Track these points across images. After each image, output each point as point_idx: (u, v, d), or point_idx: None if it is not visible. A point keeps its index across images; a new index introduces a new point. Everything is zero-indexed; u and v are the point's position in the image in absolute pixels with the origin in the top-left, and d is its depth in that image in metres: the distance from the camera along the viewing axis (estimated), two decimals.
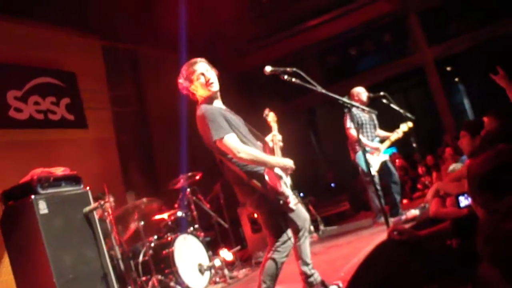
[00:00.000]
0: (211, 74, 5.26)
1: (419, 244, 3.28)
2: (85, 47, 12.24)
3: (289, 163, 5.18)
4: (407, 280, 3.10)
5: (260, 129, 5.56)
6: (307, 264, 5.48)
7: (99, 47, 12.72)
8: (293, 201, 5.17)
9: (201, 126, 5.12)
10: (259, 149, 5.23)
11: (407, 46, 16.87)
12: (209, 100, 5.25)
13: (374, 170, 9.12)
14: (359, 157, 9.03)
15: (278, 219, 5.16)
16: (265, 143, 5.51)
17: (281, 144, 5.61)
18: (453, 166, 7.80)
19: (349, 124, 9.09)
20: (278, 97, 15.66)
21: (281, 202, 5.03)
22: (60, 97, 11.16)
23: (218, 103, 5.33)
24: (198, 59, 5.33)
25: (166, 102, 13.11)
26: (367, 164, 8.81)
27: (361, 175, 9.54)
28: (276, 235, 5.16)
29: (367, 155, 8.93)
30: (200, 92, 5.24)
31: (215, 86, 5.25)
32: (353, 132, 9.07)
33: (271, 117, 5.79)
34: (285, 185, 5.17)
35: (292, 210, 5.16)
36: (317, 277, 5.49)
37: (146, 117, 13.94)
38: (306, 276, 5.49)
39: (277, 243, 5.15)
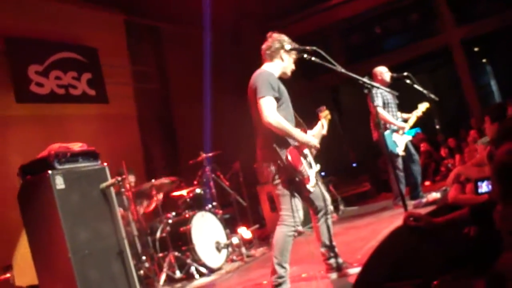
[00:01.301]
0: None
1: (435, 231, 3.21)
2: (107, 23, 12.21)
3: (314, 141, 5.19)
4: (421, 268, 3.04)
5: None
6: (326, 246, 5.46)
7: (121, 23, 12.69)
8: (312, 182, 5.14)
9: (254, 82, 5.26)
10: (294, 126, 5.34)
11: (433, 26, 16.58)
12: (276, 70, 5.46)
13: (400, 150, 9.01)
14: (386, 137, 8.91)
15: (290, 193, 5.19)
16: (303, 128, 5.49)
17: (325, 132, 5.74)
18: (483, 139, 7.63)
19: (377, 101, 8.95)
20: (301, 75, 15.56)
21: (297, 179, 5.04)
22: (81, 72, 11.18)
23: (277, 74, 5.48)
24: None
25: (188, 79, 13.10)
26: (393, 144, 8.77)
27: (385, 155, 9.43)
28: (285, 207, 5.20)
29: (393, 135, 8.87)
30: (284, 65, 5.49)
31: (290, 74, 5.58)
32: (380, 110, 8.94)
33: (324, 114, 5.80)
34: (308, 166, 5.16)
35: (308, 192, 5.14)
36: (337, 259, 5.45)
37: (168, 94, 13.91)
38: (326, 258, 5.47)
39: (285, 216, 5.22)
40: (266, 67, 5.44)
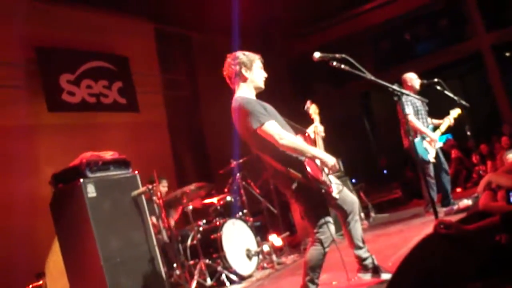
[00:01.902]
0: (264, 72, 5.32)
1: (466, 239, 3.18)
2: (138, 31, 12.32)
3: (330, 160, 5.02)
4: (452, 276, 3.01)
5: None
6: (360, 248, 5.41)
7: (152, 31, 12.79)
8: (336, 189, 5.10)
9: (238, 117, 5.04)
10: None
11: (464, 31, 16.46)
12: (249, 92, 5.21)
13: (430, 157, 8.95)
14: (417, 144, 8.85)
15: (318, 210, 5.09)
16: (305, 135, 5.44)
17: (322, 134, 5.56)
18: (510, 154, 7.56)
19: (408, 110, 8.90)
20: (331, 82, 15.52)
21: (323, 191, 4.98)
22: (112, 81, 11.29)
23: (253, 96, 5.25)
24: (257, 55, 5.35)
25: (218, 87, 13.10)
26: (424, 152, 8.72)
27: (416, 162, 9.37)
28: (316, 227, 5.10)
29: (424, 142, 8.82)
30: (251, 81, 5.21)
31: (263, 85, 5.30)
32: (411, 118, 8.89)
33: (312, 109, 5.74)
34: (326, 174, 5.10)
35: (334, 199, 5.11)
36: (371, 260, 5.42)
37: (198, 101, 13.96)
38: (360, 259, 5.42)
39: (317, 235, 5.09)
40: (239, 93, 5.21)
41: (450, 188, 9.32)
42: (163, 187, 8.93)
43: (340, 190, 5.14)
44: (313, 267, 5.11)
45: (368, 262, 5.41)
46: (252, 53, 5.29)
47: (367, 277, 5.40)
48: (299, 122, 5.48)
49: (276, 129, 4.87)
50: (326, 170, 5.14)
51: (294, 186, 4.95)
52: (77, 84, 10.50)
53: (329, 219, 5.10)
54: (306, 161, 4.93)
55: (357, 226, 5.42)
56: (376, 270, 5.40)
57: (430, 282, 3.03)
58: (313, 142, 5.43)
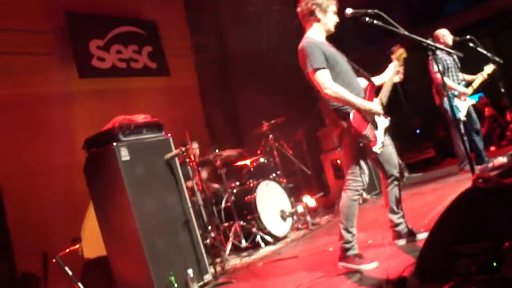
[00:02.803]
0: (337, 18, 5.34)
1: (505, 192, 3.12)
2: None
3: (375, 107, 5.08)
4: (492, 230, 2.97)
5: None
6: (394, 212, 5.40)
7: None
8: (379, 144, 5.05)
9: (301, 57, 5.17)
10: (356, 85, 5.25)
11: None
12: (318, 33, 5.30)
13: (461, 115, 8.84)
14: (446, 102, 8.75)
15: (356, 158, 5.15)
16: (369, 81, 5.41)
17: (397, 79, 5.52)
18: None
19: (435, 68, 8.78)
20: (361, 41, 15.34)
21: (361, 144, 4.97)
22: (142, 46, 11.30)
23: (322, 38, 5.32)
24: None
25: (247, 48, 13.05)
26: (455, 109, 8.60)
27: (447, 120, 9.25)
28: (349, 173, 5.18)
29: (455, 100, 8.70)
30: (323, 23, 5.28)
31: (334, 29, 5.34)
32: (439, 76, 8.77)
33: (398, 54, 5.58)
34: (375, 128, 5.07)
35: (373, 153, 5.07)
36: (404, 227, 5.39)
37: (228, 63, 13.91)
38: (393, 224, 5.42)
39: (349, 180, 5.17)
40: (308, 34, 5.31)
41: (483, 146, 9.20)
42: (194, 149, 8.92)
43: (381, 147, 5.08)
44: (345, 216, 5.18)
45: (401, 228, 5.40)
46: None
47: (402, 242, 5.37)
48: None
49: (323, 78, 4.98)
50: (379, 123, 5.13)
51: (339, 130, 5.10)
52: (107, 50, 10.52)
53: (364, 168, 5.12)
54: (353, 111, 4.99)
55: (394, 190, 5.41)
56: (410, 234, 5.37)
57: (469, 236, 2.99)
58: (373, 91, 5.38)
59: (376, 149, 5.04)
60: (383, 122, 5.26)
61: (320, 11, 5.21)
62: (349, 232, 5.15)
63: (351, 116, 4.98)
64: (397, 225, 5.39)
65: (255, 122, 9.37)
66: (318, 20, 5.25)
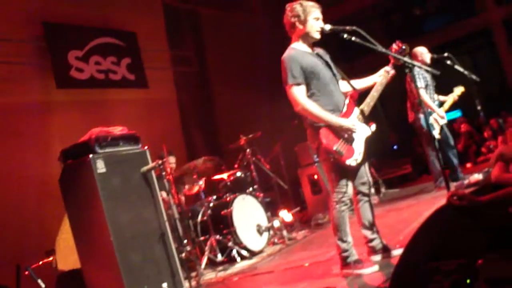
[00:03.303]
0: (321, 23, 5.30)
1: (479, 210, 3.14)
2: (146, 7, 12.24)
3: (347, 123, 5.07)
4: (466, 248, 2.98)
5: None
6: (367, 228, 5.41)
7: (160, 7, 12.72)
8: (356, 157, 5.05)
9: (282, 70, 5.21)
10: (336, 98, 5.25)
11: (473, 6, 16.30)
12: (302, 43, 5.33)
13: (436, 133, 8.93)
14: (423, 119, 8.83)
15: (335, 172, 5.16)
16: (353, 92, 5.40)
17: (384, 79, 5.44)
18: None
19: (419, 83, 8.87)
20: (342, 57, 15.42)
21: (332, 160, 4.99)
22: (121, 57, 11.25)
23: (305, 47, 5.33)
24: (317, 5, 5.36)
25: (227, 62, 13.08)
26: (430, 127, 8.68)
27: (422, 137, 9.34)
28: (333, 185, 5.21)
29: (430, 118, 8.79)
30: (305, 33, 5.29)
31: (319, 36, 5.30)
32: (423, 92, 8.86)
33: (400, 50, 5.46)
34: (350, 141, 5.07)
35: (346, 166, 5.06)
36: (379, 243, 5.40)
37: (207, 78, 13.90)
38: (367, 240, 5.43)
39: (334, 193, 5.22)
40: (293, 45, 5.34)
41: (457, 162, 9.28)
42: (171, 163, 8.90)
43: (358, 159, 5.09)
44: (337, 227, 5.22)
45: (375, 243, 5.41)
46: (311, 3, 5.30)
47: (377, 258, 5.38)
48: None
49: (296, 94, 5.06)
50: (358, 134, 5.14)
51: (316, 144, 5.16)
52: (86, 61, 10.47)
53: (344, 181, 5.13)
54: (323, 128, 5.04)
55: (365, 206, 5.44)
56: (385, 250, 5.38)
57: (444, 253, 3.00)
58: (354, 101, 5.37)
59: (351, 161, 5.04)
60: (364, 131, 5.24)
61: (299, 23, 5.22)
62: (344, 241, 5.20)
63: (321, 132, 5.03)
64: (371, 240, 5.40)
65: (233, 136, 9.37)
66: (300, 31, 5.27)
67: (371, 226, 5.42)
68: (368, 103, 5.32)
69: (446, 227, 3.23)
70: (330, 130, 5.05)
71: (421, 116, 8.85)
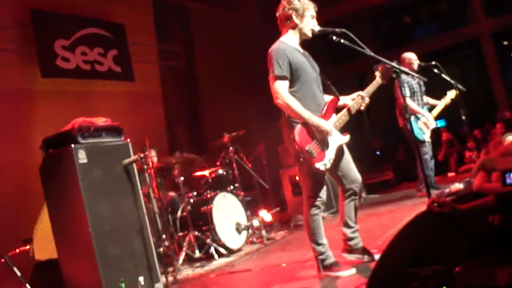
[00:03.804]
0: (315, 22, 5.31)
1: (459, 218, 3.15)
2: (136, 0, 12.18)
3: (325, 125, 5.06)
4: (444, 255, 2.99)
5: None
6: (348, 226, 5.40)
7: (149, 0, 12.65)
8: (325, 162, 5.04)
9: (268, 61, 5.19)
10: (318, 99, 5.27)
11: (463, 16, 16.38)
12: (293, 38, 5.32)
13: (426, 137, 9.01)
14: (412, 125, 8.88)
15: (311, 174, 5.15)
16: (335, 98, 5.41)
17: (362, 104, 5.48)
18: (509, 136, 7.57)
19: (404, 92, 8.93)
20: (329, 61, 15.42)
21: (301, 159, 5.00)
22: (108, 49, 11.18)
23: (295, 43, 5.33)
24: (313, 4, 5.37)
25: (215, 59, 13.05)
26: (419, 131, 8.75)
27: (410, 142, 9.41)
28: (308, 189, 5.24)
29: (419, 122, 8.84)
30: (299, 28, 5.28)
31: (311, 35, 5.30)
32: (409, 101, 8.92)
33: (378, 73, 5.53)
34: (323, 145, 5.05)
35: (316, 170, 5.06)
36: (357, 242, 5.40)
37: (194, 73, 13.85)
38: (345, 238, 5.42)
39: (308, 198, 5.24)
40: (282, 38, 5.34)
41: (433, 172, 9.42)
42: (152, 157, 8.87)
43: (327, 165, 5.07)
44: (311, 231, 5.25)
45: (353, 242, 5.40)
46: (308, 0, 5.30)
47: (351, 257, 5.39)
48: None
49: (279, 87, 5.04)
50: (333, 141, 5.12)
51: (293, 145, 5.09)
52: (72, 50, 10.38)
53: (318, 186, 5.18)
54: (299, 125, 5.03)
55: (351, 205, 5.43)
56: (364, 252, 5.38)
57: (422, 259, 3.01)
58: (333, 107, 5.37)
59: (319, 165, 5.01)
60: (338, 139, 5.23)
61: (297, 16, 5.21)
62: (319, 244, 5.22)
63: (296, 129, 5.02)
64: (350, 239, 5.39)
65: (217, 133, 9.36)
66: (295, 25, 5.26)
67: (353, 225, 5.41)
68: (341, 118, 5.32)
69: (425, 233, 3.24)
70: (305, 129, 5.05)
71: (409, 121, 8.90)
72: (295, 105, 5.00)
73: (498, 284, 2.66)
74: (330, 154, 5.10)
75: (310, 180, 5.15)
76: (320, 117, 5.13)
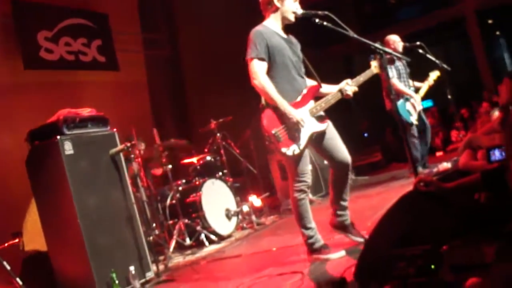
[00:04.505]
0: (298, 5, 5.27)
1: (445, 196, 3.16)
2: None
3: (295, 114, 5.00)
4: (431, 233, 3.00)
5: None
6: (337, 203, 5.41)
7: None
8: (293, 148, 5.02)
9: (247, 42, 5.18)
10: (296, 84, 5.23)
11: None
12: (274, 23, 5.29)
13: (413, 119, 9.02)
14: (400, 106, 8.90)
15: (296, 159, 5.12)
16: (316, 85, 5.38)
17: (349, 93, 5.42)
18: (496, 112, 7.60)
19: (391, 73, 8.92)
20: (314, 44, 15.41)
21: (267, 142, 5.02)
22: (91, 39, 11.14)
23: (277, 27, 5.30)
24: None
25: (200, 46, 12.99)
26: (407, 113, 8.76)
27: (398, 124, 9.43)
28: (293, 174, 5.21)
29: (407, 104, 8.85)
30: (280, 12, 5.25)
31: (293, 19, 5.26)
32: (395, 81, 8.93)
33: (373, 64, 5.51)
34: (294, 131, 5.03)
35: (282, 154, 5.07)
36: (345, 219, 5.41)
37: (179, 61, 13.81)
38: (333, 213, 5.43)
39: (293, 181, 5.21)
40: (265, 22, 5.32)
41: (427, 150, 9.42)
42: (140, 148, 8.84)
43: (295, 152, 5.03)
44: (299, 215, 5.24)
45: (341, 219, 5.41)
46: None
47: (338, 232, 5.41)
48: None
49: (256, 68, 5.04)
50: (307, 127, 5.09)
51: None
52: (55, 41, 10.33)
53: (303, 170, 5.15)
54: (268, 108, 5.06)
55: (340, 183, 5.41)
56: (349, 229, 5.39)
57: (410, 239, 3.02)
58: (312, 93, 5.32)
59: (286, 151, 4.99)
60: (313, 127, 5.17)
61: (278, 0, 5.19)
62: (307, 228, 5.22)
63: (265, 112, 5.05)
64: (338, 215, 5.38)
65: (204, 120, 9.33)
66: (276, 9, 5.23)
67: (342, 203, 5.40)
68: (320, 105, 5.28)
69: (411, 213, 3.25)
70: (275, 113, 5.04)
71: (398, 103, 8.92)
72: (269, 88, 4.99)
73: (485, 262, 2.68)
74: (300, 141, 5.05)
75: (292, 164, 5.13)
76: (295, 103, 5.11)
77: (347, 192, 5.47)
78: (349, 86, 5.39)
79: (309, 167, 5.24)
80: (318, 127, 5.21)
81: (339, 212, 5.40)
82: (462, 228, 2.94)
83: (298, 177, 5.14)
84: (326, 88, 5.48)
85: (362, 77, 5.46)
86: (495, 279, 2.53)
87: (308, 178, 5.19)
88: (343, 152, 5.38)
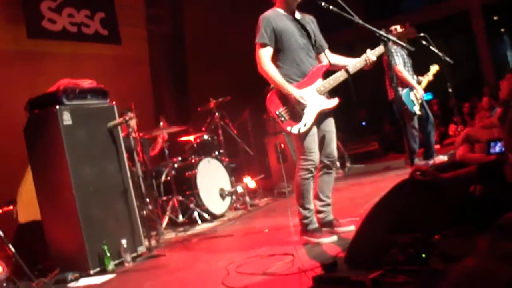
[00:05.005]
0: None
1: (441, 186, 3.18)
2: None
3: (296, 94, 5.05)
4: (424, 222, 3.02)
5: None
6: (319, 199, 5.46)
7: None
8: (299, 126, 5.05)
9: (257, 26, 5.26)
10: (304, 66, 5.25)
11: None
12: (284, 5, 5.32)
13: (416, 110, 9.00)
14: (404, 95, 8.88)
15: (304, 137, 5.15)
16: (324, 65, 5.40)
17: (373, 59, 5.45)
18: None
19: (397, 60, 8.90)
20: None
21: (271, 123, 5.11)
22: (95, 11, 11.08)
23: (287, 10, 5.32)
24: None
25: (203, 24, 12.93)
26: (410, 103, 8.74)
27: (401, 113, 9.42)
28: (300, 152, 5.25)
29: (411, 94, 8.83)
30: None
31: None
32: (401, 68, 8.91)
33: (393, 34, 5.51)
34: (298, 110, 5.06)
35: (287, 132, 5.16)
36: (326, 216, 5.45)
37: (182, 38, 13.76)
38: (315, 210, 5.43)
39: (300, 160, 5.26)
40: (275, 6, 5.37)
41: (434, 141, 9.38)
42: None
43: (301, 129, 5.08)
44: (300, 194, 5.28)
45: (321, 216, 5.45)
46: None
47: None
48: None
49: (262, 54, 5.15)
50: (313, 105, 5.11)
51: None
52: (59, 12, 10.28)
53: (311, 149, 5.17)
54: (271, 91, 5.16)
55: (324, 178, 5.48)
56: (330, 226, 5.41)
57: (403, 226, 3.04)
58: (320, 72, 5.33)
59: (292, 129, 5.06)
60: (320, 104, 5.21)
61: None
62: (305, 208, 5.26)
63: (269, 95, 5.15)
64: (319, 211, 5.43)
65: (204, 99, 9.32)
66: None
67: (324, 199, 5.44)
68: (328, 82, 5.29)
69: (406, 201, 3.27)
70: (278, 95, 5.12)
71: (403, 92, 8.90)
72: (272, 71, 5.09)
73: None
74: (306, 118, 5.09)
75: (299, 142, 5.16)
76: (300, 83, 5.16)
77: (331, 188, 5.51)
78: (372, 55, 5.41)
79: (316, 145, 5.24)
80: (327, 104, 5.26)
81: (321, 209, 5.43)
82: (455, 218, 2.96)
83: (305, 155, 5.16)
84: (342, 60, 5.55)
85: (377, 51, 5.44)
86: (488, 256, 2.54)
87: (316, 157, 5.19)
88: (333, 147, 5.42)
